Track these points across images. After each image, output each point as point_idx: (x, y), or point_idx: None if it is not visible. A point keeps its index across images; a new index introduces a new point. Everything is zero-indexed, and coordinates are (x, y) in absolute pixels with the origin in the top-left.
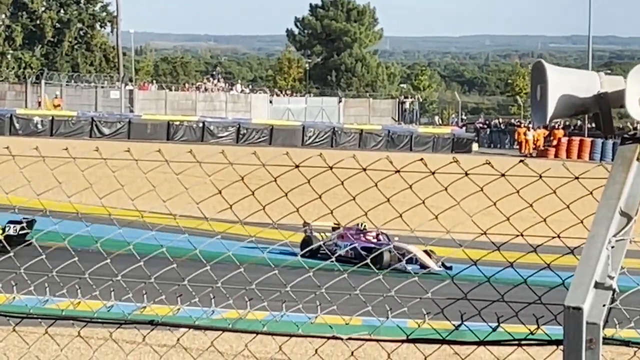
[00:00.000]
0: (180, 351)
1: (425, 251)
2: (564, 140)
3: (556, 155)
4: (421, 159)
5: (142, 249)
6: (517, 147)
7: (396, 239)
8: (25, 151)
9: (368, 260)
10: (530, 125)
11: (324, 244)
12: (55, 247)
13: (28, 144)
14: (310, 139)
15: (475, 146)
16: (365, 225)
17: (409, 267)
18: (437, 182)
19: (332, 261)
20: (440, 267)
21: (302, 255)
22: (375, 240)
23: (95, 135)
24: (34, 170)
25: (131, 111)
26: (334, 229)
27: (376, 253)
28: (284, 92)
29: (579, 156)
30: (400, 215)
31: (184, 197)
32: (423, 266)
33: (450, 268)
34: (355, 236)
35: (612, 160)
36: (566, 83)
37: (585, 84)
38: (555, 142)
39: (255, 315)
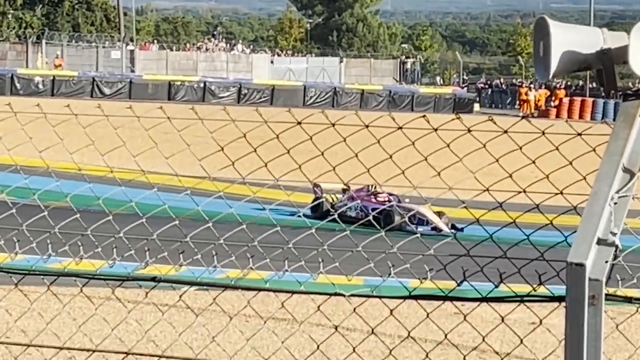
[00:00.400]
0: (182, 310)
1: (436, 212)
2: (566, 100)
3: (557, 116)
4: (423, 116)
5: (144, 207)
6: (519, 107)
7: (407, 200)
8: (26, 109)
9: (371, 218)
10: (532, 86)
11: (333, 205)
12: (56, 205)
13: (29, 103)
14: (311, 99)
15: (476, 106)
16: (375, 187)
17: (420, 229)
18: (440, 140)
19: (339, 222)
20: (450, 228)
21: (313, 217)
22: (385, 202)
23: (96, 95)
24: (36, 130)
25: (132, 71)
26: (344, 190)
27: (379, 211)
28: (285, 53)
29: (581, 116)
30: (403, 172)
31: (185, 155)
32: (434, 228)
33: (461, 229)
34: (365, 198)
35: (614, 119)
36: (569, 39)
37: (588, 40)
38: (556, 102)
39: (260, 274)
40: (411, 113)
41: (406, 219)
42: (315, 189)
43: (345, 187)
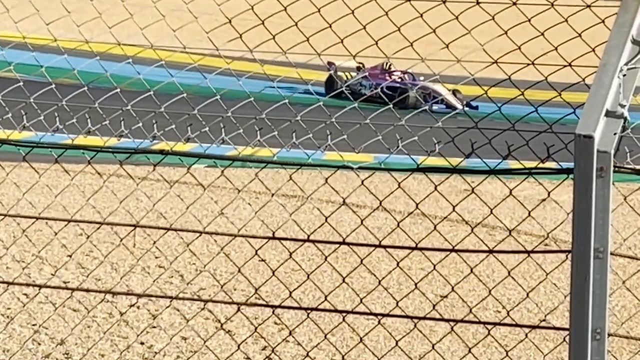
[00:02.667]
0: (193, 187)
1: (452, 91)
2: None
3: None
4: None
5: (152, 83)
6: None
7: (421, 78)
8: None
9: (383, 95)
10: None
11: (347, 85)
12: (63, 81)
13: None
14: None
15: None
16: (390, 65)
17: (435, 107)
18: (449, 11)
19: (350, 99)
20: (465, 106)
21: (327, 95)
22: (400, 80)
23: None
24: (43, 3)
25: None
26: (358, 68)
27: (394, 87)
28: None
29: None
30: (411, 44)
31: (193, 29)
32: (449, 106)
33: (476, 108)
34: (380, 76)
35: None
36: None
37: None
38: None
39: (271, 151)
40: None
41: (419, 98)
42: (330, 67)
43: (359, 65)
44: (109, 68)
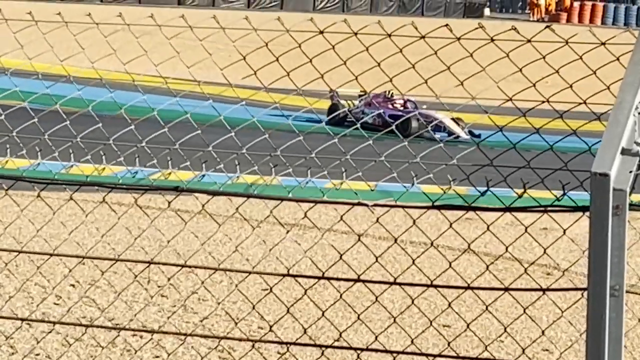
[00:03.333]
0: (207, 220)
1: (453, 119)
2: (576, 4)
3: (568, 20)
4: (446, 25)
5: (166, 115)
6: (529, 11)
7: (424, 106)
8: (47, 16)
9: (393, 127)
10: None
11: (350, 111)
12: (79, 113)
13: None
14: (321, 4)
15: (487, 11)
16: (392, 93)
17: (437, 135)
18: (462, 48)
19: (358, 128)
20: (467, 134)
21: (329, 123)
22: (402, 108)
23: (106, 0)
24: (56, 36)
25: None
26: (360, 96)
27: (402, 118)
28: None
29: (591, 21)
30: (426, 82)
31: (206, 63)
32: (451, 133)
33: (478, 136)
34: (382, 103)
35: (625, 24)
36: None
37: None
38: (567, 6)
39: (280, 182)
40: (422, 18)
41: (424, 126)
42: (332, 94)
43: (362, 92)
44: (126, 99)
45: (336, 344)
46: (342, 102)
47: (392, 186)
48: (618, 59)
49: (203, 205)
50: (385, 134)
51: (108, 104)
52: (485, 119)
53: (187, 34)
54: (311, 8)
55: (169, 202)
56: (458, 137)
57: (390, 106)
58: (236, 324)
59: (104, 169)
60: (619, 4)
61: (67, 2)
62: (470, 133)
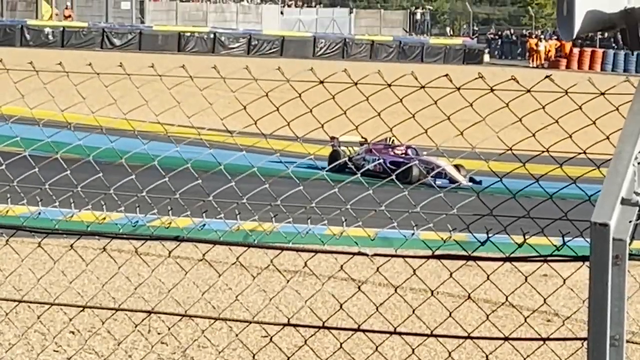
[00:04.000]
0: (207, 269)
1: (454, 165)
2: (576, 51)
3: (567, 66)
4: (446, 75)
5: (167, 163)
6: (529, 58)
7: (424, 153)
8: (48, 65)
9: (393, 176)
10: (542, 36)
11: (350, 159)
12: (81, 162)
13: (44, 57)
14: (321, 50)
15: (486, 57)
16: (393, 140)
17: (438, 182)
18: (462, 97)
19: (359, 176)
20: (468, 181)
21: (330, 170)
22: (403, 155)
23: (106, 47)
24: (57, 85)
25: (142, 22)
26: (361, 143)
27: (404, 168)
28: (294, 3)
29: (591, 67)
30: (426, 131)
31: (207, 111)
32: (452, 180)
33: (479, 182)
34: (383, 150)
35: (624, 70)
36: None
37: None
38: (567, 52)
39: (282, 234)
40: (421, 64)
41: (425, 174)
42: (333, 141)
43: (362, 140)
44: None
45: None
46: (343, 149)
47: (392, 233)
48: (617, 108)
49: (204, 255)
50: (385, 181)
51: (109, 152)
52: (486, 165)
53: (188, 80)
54: (311, 54)
55: (170, 251)
56: (459, 183)
57: (391, 153)
58: None
59: (104, 218)
60: (619, 50)
61: (67, 49)
62: (472, 180)
